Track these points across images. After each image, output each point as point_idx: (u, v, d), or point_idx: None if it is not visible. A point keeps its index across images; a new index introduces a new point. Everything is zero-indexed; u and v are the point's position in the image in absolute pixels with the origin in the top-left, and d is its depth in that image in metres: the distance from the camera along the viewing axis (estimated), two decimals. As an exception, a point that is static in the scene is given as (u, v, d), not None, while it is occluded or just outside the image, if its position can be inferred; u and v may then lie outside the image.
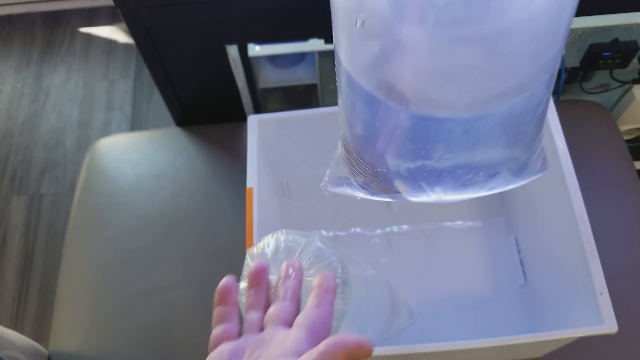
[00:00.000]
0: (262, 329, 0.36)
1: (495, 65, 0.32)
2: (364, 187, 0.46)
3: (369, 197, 0.47)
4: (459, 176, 0.39)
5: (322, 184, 0.49)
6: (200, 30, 0.79)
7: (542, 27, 0.31)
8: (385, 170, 0.41)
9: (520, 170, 0.41)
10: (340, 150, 0.48)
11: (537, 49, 0.32)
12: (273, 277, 0.42)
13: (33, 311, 1.34)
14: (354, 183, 0.47)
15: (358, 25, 0.32)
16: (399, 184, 0.42)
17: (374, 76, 0.35)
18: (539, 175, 0.42)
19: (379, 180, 0.43)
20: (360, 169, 0.45)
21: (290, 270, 0.39)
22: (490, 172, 0.39)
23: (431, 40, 0.29)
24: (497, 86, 0.33)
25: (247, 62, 1.11)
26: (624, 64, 0.98)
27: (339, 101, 0.42)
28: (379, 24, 0.31)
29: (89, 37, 1.77)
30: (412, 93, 0.34)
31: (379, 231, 0.79)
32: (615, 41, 0.95)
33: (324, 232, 0.79)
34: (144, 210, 0.86)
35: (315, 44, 1.10)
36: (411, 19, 0.29)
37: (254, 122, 0.66)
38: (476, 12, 0.28)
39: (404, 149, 0.38)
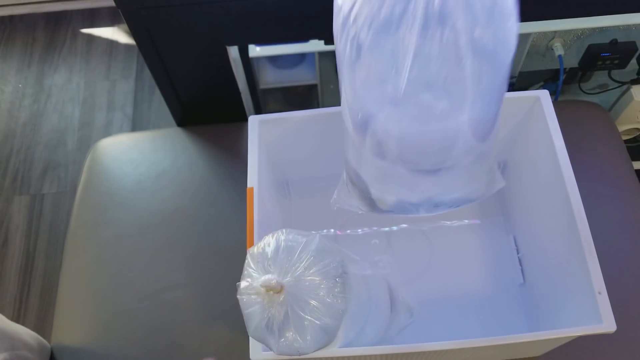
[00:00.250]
0: None
1: (446, 146, 0.47)
2: (365, 206, 0.59)
3: (369, 213, 0.60)
4: (433, 201, 0.55)
5: (331, 201, 0.62)
6: (201, 31, 0.79)
7: (476, 122, 0.46)
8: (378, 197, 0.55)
9: (476, 193, 0.57)
10: (344, 176, 0.59)
11: (474, 132, 0.47)
12: (273, 277, 0.43)
13: (35, 311, 1.34)
14: (356, 202, 0.60)
15: (359, 118, 0.47)
16: (390, 207, 0.56)
17: (364, 139, 0.49)
18: (494, 192, 0.58)
19: (375, 203, 0.56)
20: (360, 193, 0.56)
21: None
22: (454, 197, 0.55)
23: (402, 129, 0.45)
24: (450, 154, 0.48)
25: (248, 62, 1.11)
26: (623, 64, 0.98)
27: (343, 141, 0.55)
28: (369, 121, 0.46)
29: (90, 37, 1.77)
30: (390, 158, 0.49)
31: (378, 231, 0.79)
32: (614, 42, 0.95)
33: (324, 232, 0.80)
34: (145, 210, 0.86)
35: (316, 45, 1.10)
36: (391, 122, 0.45)
37: (255, 123, 0.67)
38: (431, 116, 0.43)
39: (389, 184, 0.52)
